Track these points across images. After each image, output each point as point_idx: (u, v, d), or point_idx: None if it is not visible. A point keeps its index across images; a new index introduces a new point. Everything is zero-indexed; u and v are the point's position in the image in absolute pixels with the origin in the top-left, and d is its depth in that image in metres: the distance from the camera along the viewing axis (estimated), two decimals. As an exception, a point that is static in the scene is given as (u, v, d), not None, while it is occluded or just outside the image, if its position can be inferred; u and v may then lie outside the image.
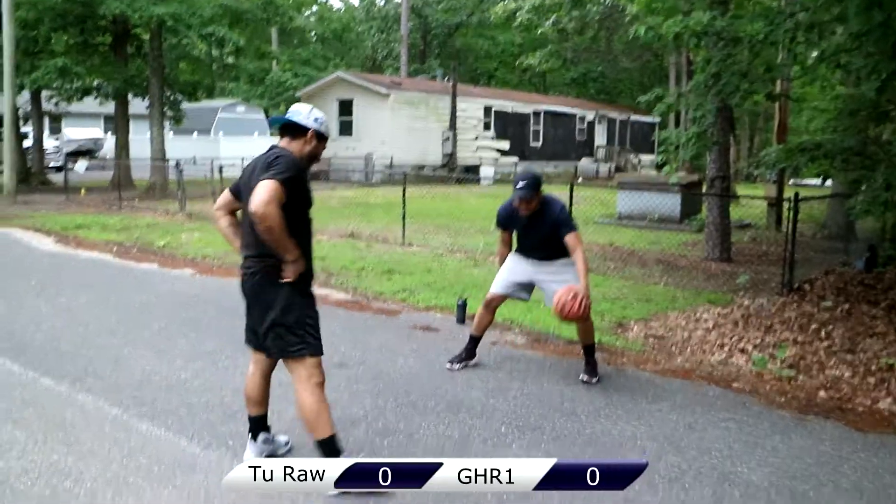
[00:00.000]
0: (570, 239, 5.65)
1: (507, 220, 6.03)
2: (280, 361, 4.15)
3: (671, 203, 16.03)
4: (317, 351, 4.02)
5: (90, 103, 28.82)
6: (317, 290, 8.87)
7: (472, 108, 33.13)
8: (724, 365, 6.55)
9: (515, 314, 7.90)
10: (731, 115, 11.78)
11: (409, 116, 30.68)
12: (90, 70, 23.98)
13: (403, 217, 13.32)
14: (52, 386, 5.55)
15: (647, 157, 40.39)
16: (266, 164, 3.82)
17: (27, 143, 29.71)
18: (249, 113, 44.97)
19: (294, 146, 3.98)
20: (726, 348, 7.02)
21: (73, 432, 4.71)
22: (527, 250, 6.07)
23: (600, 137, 40.45)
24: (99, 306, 8.11)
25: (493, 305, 6.20)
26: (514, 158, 34.81)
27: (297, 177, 3.83)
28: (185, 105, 28.91)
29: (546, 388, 5.74)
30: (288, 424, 4.71)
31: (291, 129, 4.01)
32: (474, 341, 6.27)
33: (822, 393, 5.90)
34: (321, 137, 4.07)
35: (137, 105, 28.32)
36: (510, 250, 6.22)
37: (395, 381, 5.84)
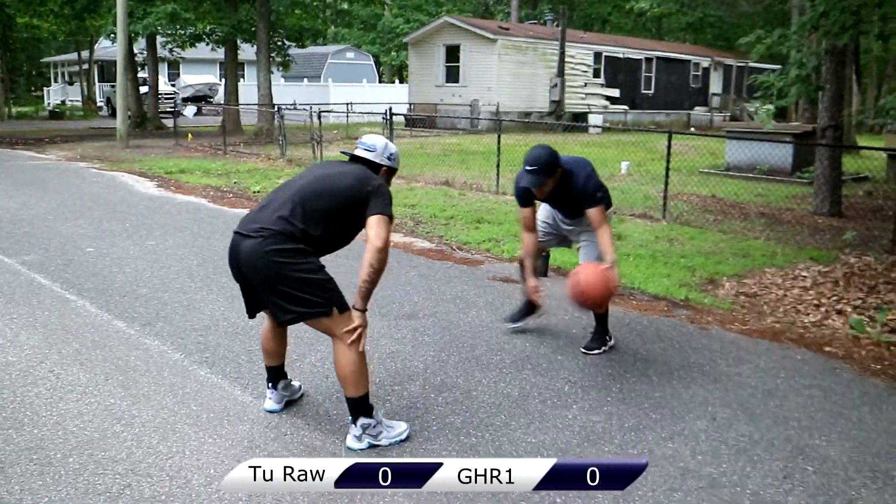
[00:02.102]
0: (592, 214, 4.97)
1: (527, 194, 5.21)
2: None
3: (782, 154, 15.22)
4: (348, 306, 3.83)
5: (205, 50, 29.42)
6: (401, 238, 8.95)
7: (580, 54, 32.29)
8: (817, 327, 6.14)
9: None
10: (844, 59, 10.98)
11: (516, 62, 30.13)
12: (200, 16, 24.39)
13: (498, 165, 13.07)
14: (122, 329, 5.64)
15: (768, 108, 38.63)
16: (372, 191, 3.80)
17: (144, 88, 30.62)
18: (359, 59, 45.17)
19: None
20: (822, 309, 6.59)
21: (133, 376, 4.75)
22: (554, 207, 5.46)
23: (715, 85, 38.89)
24: (184, 250, 8.24)
25: (533, 238, 5.41)
26: (624, 106, 33.87)
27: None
28: (296, 51, 29.24)
29: (620, 347, 5.49)
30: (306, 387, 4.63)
31: (366, 165, 3.99)
32: (528, 305, 5.71)
33: (925, 362, 5.46)
34: (393, 171, 4.11)
35: (249, 52, 28.78)
36: (536, 240, 5.46)
37: (463, 333, 5.69)
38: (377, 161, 4.01)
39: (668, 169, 10.92)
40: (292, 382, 4.42)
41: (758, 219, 10.78)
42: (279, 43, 27.06)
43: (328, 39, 50.79)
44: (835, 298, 6.85)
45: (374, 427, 3.85)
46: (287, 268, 3.68)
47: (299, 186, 3.89)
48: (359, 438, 3.84)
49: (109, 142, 21.97)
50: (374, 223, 3.74)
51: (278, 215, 3.74)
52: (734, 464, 3.82)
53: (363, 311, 3.75)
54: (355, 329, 3.75)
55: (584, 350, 5.31)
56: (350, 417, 3.88)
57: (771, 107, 16.00)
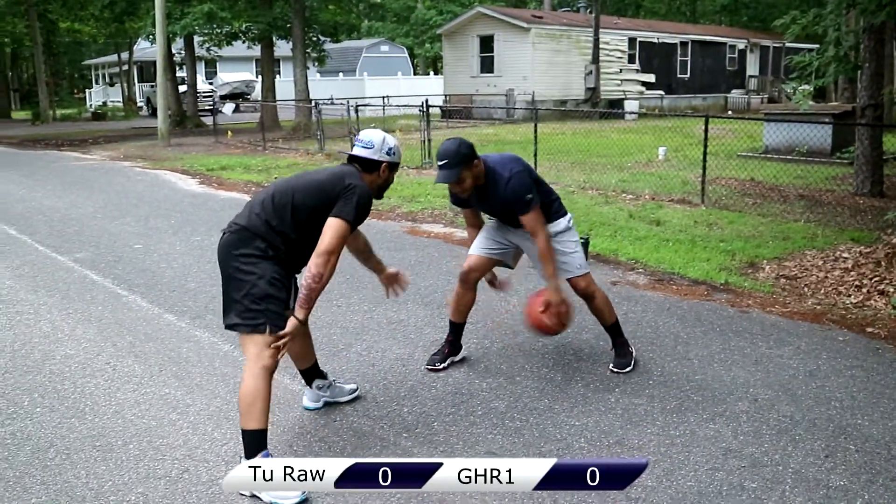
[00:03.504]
0: (526, 221, 4.38)
1: (456, 196, 4.66)
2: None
3: (821, 135, 15.06)
4: (275, 328, 3.50)
5: (241, 47, 29.77)
6: (441, 228, 9.05)
7: (615, 40, 32.12)
8: (859, 308, 6.13)
9: (641, 253, 7.68)
10: (883, 36, 10.84)
11: (550, 51, 30.06)
12: (236, 15, 24.69)
13: (535, 154, 13.10)
14: (173, 322, 5.81)
15: (805, 88, 38.14)
16: (342, 191, 3.60)
17: (183, 87, 31.06)
18: (393, 52, 45.32)
19: (368, 178, 3.78)
20: (864, 290, 6.57)
21: (186, 367, 4.92)
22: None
23: (752, 67, 38.41)
24: (229, 245, 8.42)
25: (471, 278, 4.82)
26: (660, 92, 33.63)
27: (366, 209, 3.65)
28: (330, 46, 29.47)
29: (661, 331, 5.54)
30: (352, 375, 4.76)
31: (364, 163, 3.80)
32: (455, 330, 4.95)
33: (968, 341, 5.44)
34: (395, 165, 3.90)
35: (284, 48, 29.04)
36: (479, 228, 4.91)
37: (504, 322, 5.77)
38: (375, 158, 3.79)
39: (705, 153, 10.89)
40: (337, 383, 4.39)
41: (797, 201, 10.72)
42: (314, 38, 27.29)
43: (362, 33, 50.97)
44: (877, 279, 6.82)
45: None
46: (237, 268, 3.54)
47: (278, 182, 3.83)
48: None
49: (151, 141, 22.35)
50: (328, 226, 3.53)
51: (253, 211, 3.64)
52: (776, 443, 3.87)
53: (300, 321, 3.51)
54: (280, 338, 3.48)
55: (613, 369, 4.81)
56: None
57: (808, 87, 15.77)
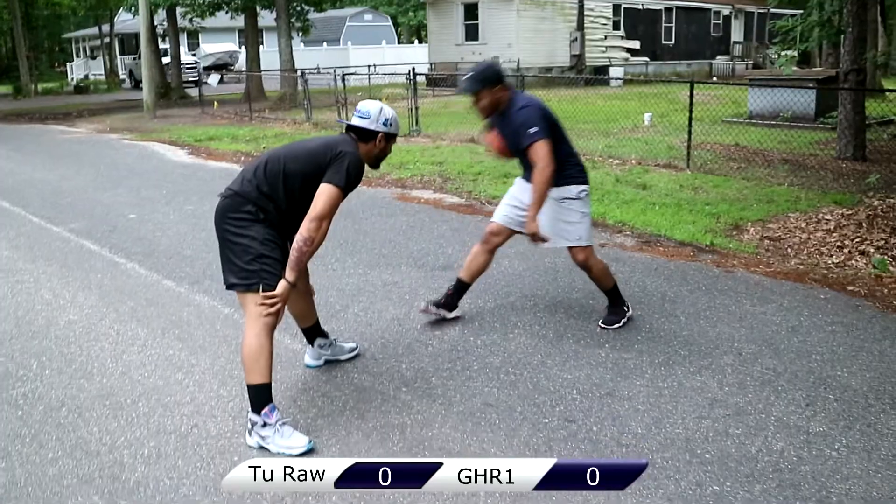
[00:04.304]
0: (531, 153, 4.46)
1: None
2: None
3: (805, 100, 15.21)
4: (271, 286, 3.60)
5: (224, 18, 29.56)
6: (431, 194, 9.18)
7: (600, 6, 32.09)
8: (841, 267, 6.31)
9: (629, 216, 7.83)
10: (866, 2, 10.97)
11: (535, 18, 30.01)
12: (218, -17, 24.53)
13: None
14: (172, 287, 5.94)
15: (788, 53, 38.27)
16: (332, 158, 3.68)
17: (166, 59, 30.86)
18: (377, 21, 45.11)
19: (364, 148, 3.85)
20: (846, 250, 6.76)
21: (188, 329, 5.06)
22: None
23: (737, 33, 38.49)
24: (222, 213, 8.53)
25: (492, 241, 5.01)
26: (645, 58, 33.69)
27: (358, 176, 3.74)
28: (314, 15, 29.28)
29: (648, 290, 5.71)
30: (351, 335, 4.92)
31: (361, 132, 3.85)
32: (459, 287, 5.13)
33: (945, 297, 5.62)
34: (392, 136, 3.94)
35: (268, 18, 28.87)
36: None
37: (497, 282, 5.93)
38: (372, 128, 3.83)
39: (690, 119, 11.03)
40: (337, 342, 4.54)
41: (781, 165, 10.88)
42: (298, 8, 27.15)
43: (345, 2, 50.67)
44: (858, 240, 7.01)
45: (263, 427, 3.55)
46: (230, 231, 3.66)
47: (271, 151, 3.92)
48: (249, 432, 3.61)
49: (136, 113, 22.29)
50: (320, 192, 3.61)
51: (245, 178, 3.74)
52: (759, 393, 4.05)
53: (291, 283, 3.59)
54: (271, 298, 3.57)
55: (602, 325, 4.97)
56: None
57: (792, 52, 15.88)
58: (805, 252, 6.74)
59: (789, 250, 6.79)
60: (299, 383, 4.23)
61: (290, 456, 3.46)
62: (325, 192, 3.61)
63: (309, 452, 3.49)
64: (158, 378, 4.34)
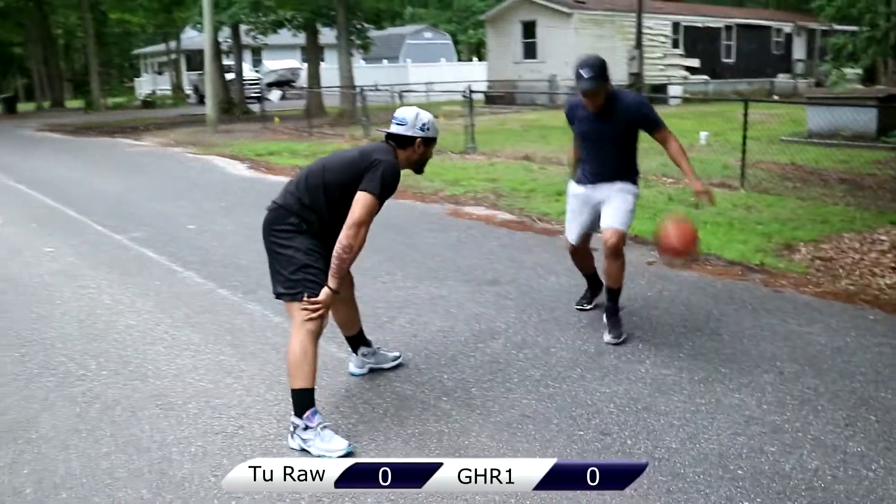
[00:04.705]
0: (659, 135, 4.99)
1: (570, 117, 5.23)
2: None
3: (866, 118, 14.94)
4: (313, 295, 3.74)
5: (286, 35, 30.16)
6: (483, 211, 9.29)
7: (659, 24, 31.96)
8: (893, 289, 6.23)
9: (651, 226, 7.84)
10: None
11: (593, 36, 30.00)
12: (281, 3, 25.05)
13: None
14: (227, 296, 6.14)
15: (852, 71, 37.58)
16: (367, 166, 3.78)
17: (230, 76, 31.58)
18: (437, 38, 45.50)
19: (402, 154, 3.94)
20: (899, 272, 6.67)
21: (240, 336, 5.24)
22: (584, 168, 5.23)
23: (799, 51, 37.91)
24: (278, 226, 8.76)
25: (578, 252, 5.51)
26: (705, 76, 33.40)
27: (391, 187, 3.82)
28: (374, 33, 29.69)
29: (693, 308, 5.72)
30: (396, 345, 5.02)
31: (399, 139, 3.94)
32: (588, 278, 5.72)
33: None
34: (430, 141, 4.01)
35: (329, 35, 29.36)
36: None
37: (543, 297, 6.00)
38: (410, 133, 3.91)
39: (744, 137, 10.98)
40: (381, 350, 4.65)
41: (837, 185, 10.75)
42: (358, 26, 27.57)
43: (406, 20, 51.22)
44: (913, 261, 6.91)
45: (305, 430, 3.66)
46: (276, 243, 3.82)
47: (313, 163, 4.05)
48: (292, 435, 3.73)
49: (200, 127, 22.85)
50: (357, 200, 3.70)
51: (288, 190, 3.89)
52: (798, 412, 4.05)
53: (333, 290, 3.71)
54: (314, 305, 3.70)
55: (606, 341, 5.02)
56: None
57: (848, 70, 15.66)
58: (857, 272, 6.67)
59: (841, 270, 6.73)
60: (343, 390, 4.36)
61: (331, 459, 3.57)
62: (360, 200, 3.70)
63: (348, 455, 3.59)
64: (209, 382, 4.51)
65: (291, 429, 3.71)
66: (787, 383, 4.40)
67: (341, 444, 3.64)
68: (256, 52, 43.11)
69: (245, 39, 30.13)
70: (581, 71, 4.70)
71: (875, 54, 8.68)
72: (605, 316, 5.19)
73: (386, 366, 4.61)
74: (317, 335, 3.76)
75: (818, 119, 15.88)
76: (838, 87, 12.41)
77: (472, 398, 4.22)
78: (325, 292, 3.70)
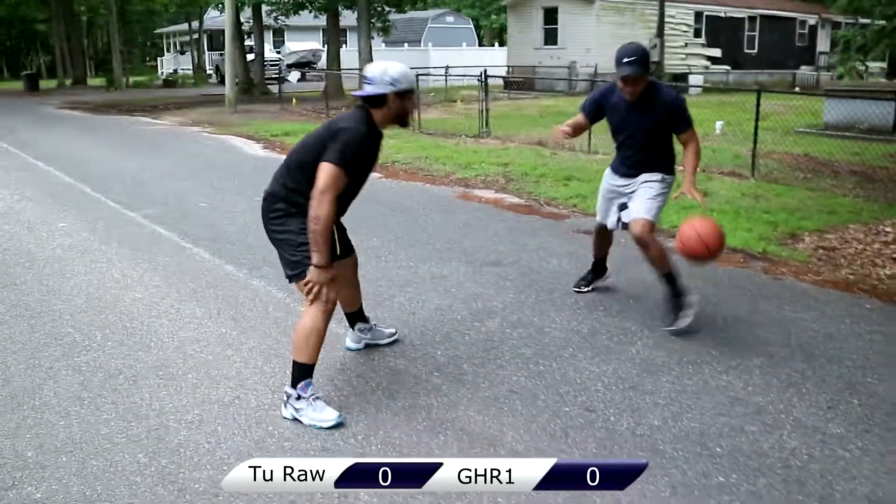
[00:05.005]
0: (685, 136, 5.00)
1: (599, 105, 5.21)
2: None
3: (883, 112, 14.89)
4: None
5: (308, 17, 30.23)
6: (492, 194, 9.37)
7: (681, 13, 31.79)
8: (892, 279, 6.27)
9: (678, 219, 7.87)
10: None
11: (614, 23, 29.90)
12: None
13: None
14: (233, 272, 6.26)
15: (875, 65, 37.21)
16: (331, 137, 3.74)
17: (251, 56, 31.72)
18: (458, 23, 45.43)
19: (378, 115, 3.85)
20: (900, 262, 6.71)
21: (242, 311, 5.37)
22: (619, 160, 5.29)
23: (823, 44, 37.59)
24: (288, 205, 8.89)
25: (604, 233, 5.59)
26: (726, 67, 33.21)
27: (359, 152, 3.75)
28: (396, 16, 29.75)
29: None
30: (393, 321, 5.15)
31: (371, 100, 3.83)
32: (596, 262, 5.76)
33: None
34: (404, 93, 3.85)
35: (351, 18, 29.42)
36: (578, 133, 5.38)
37: (543, 279, 6.08)
38: (380, 91, 3.78)
39: (756, 127, 11.01)
40: (378, 327, 4.73)
41: (849, 177, 10.74)
42: (379, 9, 27.62)
43: (428, 4, 51.17)
44: (916, 252, 6.94)
45: (298, 400, 3.77)
46: (273, 230, 3.89)
47: (294, 146, 4.05)
48: (285, 404, 3.83)
49: (219, 107, 23.02)
50: (319, 170, 3.65)
51: (275, 177, 3.94)
52: (782, 395, 4.12)
53: (317, 265, 3.68)
54: (307, 286, 3.75)
55: (668, 329, 4.99)
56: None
57: (878, 63, 15.58)
58: (858, 263, 6.70)
59: (842, 260, 6.77)
60: (338, 363, 4.48)
61: (322, 428, 3.70)
62: (321, 170, 3.65)
63: (339, 426, 3.71)
64: (209, 353, 4.64)
65: (285, 398, 3.83)
66: (776, 367, 4.47)
67: (332, 415, 3.75)
68: (279, 34, 43.21)
69: (267, 20, 30.24)
70: (623, 58, 4.76)
71: (885, 48, 8.61)
72: (667, 301, 5.10)
73: (382, 341, 4.71)
74: (328, 313, 3.81)
75: (835, 111, 15.85)
76: (846, 80, 12.35)
77: (464, 374, 4.32)
78: (310, 271, 3.72)
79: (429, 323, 5.12)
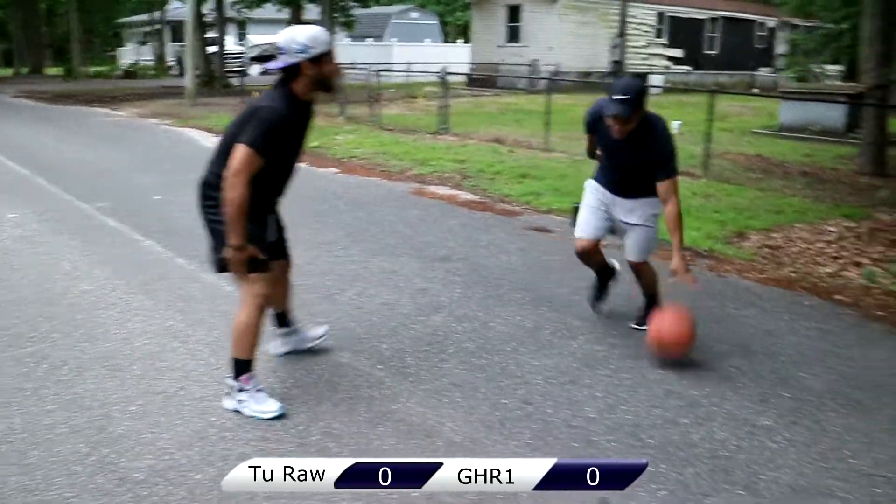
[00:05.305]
0: (664, 186, 4.52)
1: (594, 125, 4.74)
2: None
3: (836, 114, 15.24)
4: (256, 268, 3.75)
5: (272, 10, 30.10)
6: (447, 190, 9.44)
7: (643, 13, 32.11)
8: (833, 277, 6.45)
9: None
10: (893, 18, 11.00)
11: (576, 23, 30.15)
12: (265, -22, 25.02)
13: (547, 123, 13.43)
14: (184, 265, 6.27)
15: (833, 68, 37.87)
16: (249, 116, 3.65)
17: (212, 48, 31.47)
18: (423, 19, 45.41)
19: (298, 86, 3.68)
20: (841, 261, 6.89)
21: (191, 303, 5.39)
22: (606, 177, 4.91)
23: (782, 46, 38.19)
24: (243, 199, 8.89)
25: (587, 253, 5.01)
26: (687, 67, 33.61)
27: (276, 131, 3.61)
28: (360, 11, 29.70)
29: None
30: (340, 316, 5.15)
31: (286, 72, 3.66)
32: (599, 272, 5.24)
33: (929, 310, 5.75)
34: (320, 57, 3.62)
35: (314, 11, 29.33)
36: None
37: (491, 275, 6.17)
38: (291, 62, 3.61)
39: (710, 128, 11.19)
40: (302, 330, 4.52)
41: (799, 178, 10.98)
42: (342, 4, 27.57)
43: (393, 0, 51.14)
44: (855, 252, 7.13)
45: (240, 392, 3.79)
46: (206, 218, 3.80)
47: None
48: (228, 396, 3.85)
49: (178, 100, 22.82)
50: (233, 152, 3.57)
51: (208, 166, 3.80)
52: (717, 388, 4.25)
53: (233, 246, 3.62)
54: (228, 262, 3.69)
55: (632, 326, 5.04)
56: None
57: (837, 66, 15.89)
58: (801, 261, 6.88)
59: (786, 259, 6.93)
60: (283, 359, 4.50)
61: (262, 419, 3.74)
62: (235, 151, 3.56)
63: (280, 417, 3.76)
64: (156, 345, 4.66)
65: (227, 390, 3.87)
66: (713, 362, 4.60)
67: (273, 406, 3.79)
68: (242, 26, 42.89)
69: (230, 13, 30.05)
70: (614, 94, 4.34)
71: (834, 51, 8.84)
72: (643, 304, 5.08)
73: (305, 345, 4.52)
74: (261, 307, 3.81)
75: (790, 113, 16.19)
76: (793, 83, 12.67)
77: (407, 367, 4.39)
78: (226, 250, 3.66)
79: (375, 317, 5.18)
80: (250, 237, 3.68)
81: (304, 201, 8.68)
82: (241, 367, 3.83)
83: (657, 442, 3.65)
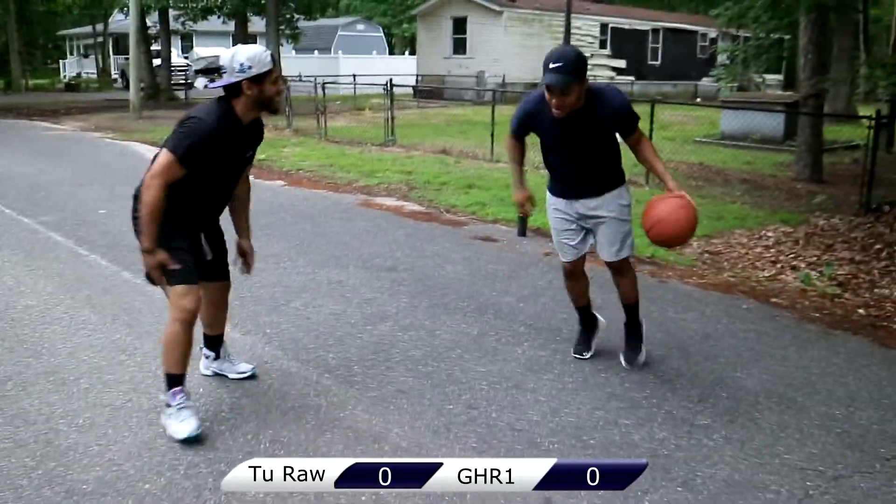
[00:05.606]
0: (634, 136, 4.33)
1: (528, 121, 4.34)
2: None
3: (774, 123, 15.65)
4: (180, 280, 3.70)
5: (217, 22, 29.90)
6: (394, 202, 9.51)
7: (587, 25, 32.59)
8: (770, 281, 6.65)
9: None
10: (825, 28, 11.39)
11: (522, 34, 30.48)
12: (210, -11, 24.90)
13: (492, 134, 13.57)
14: (129, 279, 6.23)
15: (773, 77, 38.75)
16: (176, 126, 3.63)
17: (157, 61, 31.17)
18: (369, 31, 45.47)
19: (239, 105, 3.64)
20: (778, 265, 7.11)
21: (138, 317, 5.38)
22: (560, 183, 4.51)
23: (723, 56, 38.98)
24: (189, 212, 8.85)
25: (575, 274, 4.76)
26: (631, 77, 34.09)
27: (201, 143, 3.54)
28: (306, 24, 29.64)
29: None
30: (287, 327, 5.19)
31: (227, 90, 3.62)
32: (582, 311, 4.91)
33: (861, 311, 5.95)
34: (260, 76, 3.58)
35: (260, 24, 29.21)
36: (523, 157, 4.64)
37: (437, 284, 6.25)
38: (232, 80, 3.56)
39: (651, 137, 11.40)
40: (230, 359, 4.42)
41: (739, 185, 11.26)
42: (288, 16, 27.51)
43: (341, 11, 51.09)
44: (792, 256, 7.36)
45: (168, 408, 3.74)
46: (136, 229, 3.73)
47: None
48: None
49: (123, 113, 22.56)
50: (157, 156, 3.57)
51: (142, 178, 3.67)
52: (657, 390, 4.37)
53: (142, 250, 3.60)
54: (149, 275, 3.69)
55: (624, 362, 4.72)
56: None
57: (777, 76, 16.35)
58: (740, 266, 7.08)
59: (725, 264, 7.13)
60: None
61: (173, 440, 3.66)
62: (159, 156, 3.56)
63: (192, 441, 3.63)
64: (102, 359, 4.64)
65: (163, 404, 3.83)
66: (654, 365, 4.73)
67: (187, 428, 3.65)
68: (187, 39, 42.52)
69: (174, 25, 29.79)
70: (549, 62, 3.89)
71: (767, 62, 9.15)
72: (624, 334, 4.79)
73: (231, 375, 4.38)
74: (186, 322, 3.70)
75: (731, 122, 16.57)
76: (724, 91, 13.05)
77: (354, 375, 4.45)
78: (143, 254, 3.63)
79: (322, 327, 5.22)
80: (170, 248, 3.63)
81: (250, 214, 8.70)
82: (170, 380, 3.76)
83: (599, 443, 3.76)
